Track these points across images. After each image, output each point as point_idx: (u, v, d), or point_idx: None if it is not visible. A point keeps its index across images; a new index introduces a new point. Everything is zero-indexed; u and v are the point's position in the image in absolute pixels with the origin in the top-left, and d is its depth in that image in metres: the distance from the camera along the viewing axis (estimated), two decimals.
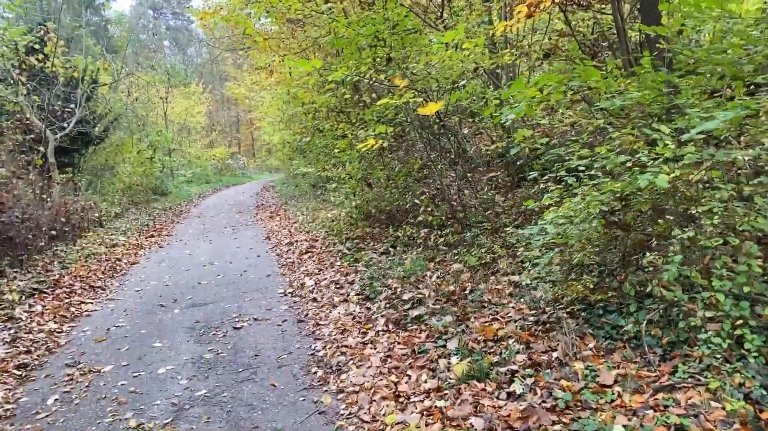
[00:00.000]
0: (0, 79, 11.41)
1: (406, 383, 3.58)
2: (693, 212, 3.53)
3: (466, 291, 4.93)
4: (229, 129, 46.02)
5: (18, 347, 5.26)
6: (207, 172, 31.94)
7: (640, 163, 3.52)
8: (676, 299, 3.42)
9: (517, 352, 3.62)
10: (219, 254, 9.60)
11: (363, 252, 7.60)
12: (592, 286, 4.20)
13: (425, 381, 3.53)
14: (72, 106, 14.27)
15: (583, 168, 3.94)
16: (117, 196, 17.60)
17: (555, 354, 3.50)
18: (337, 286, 6.34)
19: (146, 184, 21.00)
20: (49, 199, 11.74)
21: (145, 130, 24.01)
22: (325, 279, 6.83)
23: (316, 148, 10.85)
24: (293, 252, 8.93)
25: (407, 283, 5.53)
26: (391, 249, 7.52)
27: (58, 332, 5.77)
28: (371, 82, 8.44)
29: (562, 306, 4.28)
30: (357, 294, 5.78)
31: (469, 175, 7.27)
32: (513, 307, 4.42)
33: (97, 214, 13.83)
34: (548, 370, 3.35)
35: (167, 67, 27.36)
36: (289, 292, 6.54)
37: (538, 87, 5.03)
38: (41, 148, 12.83)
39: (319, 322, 5.21)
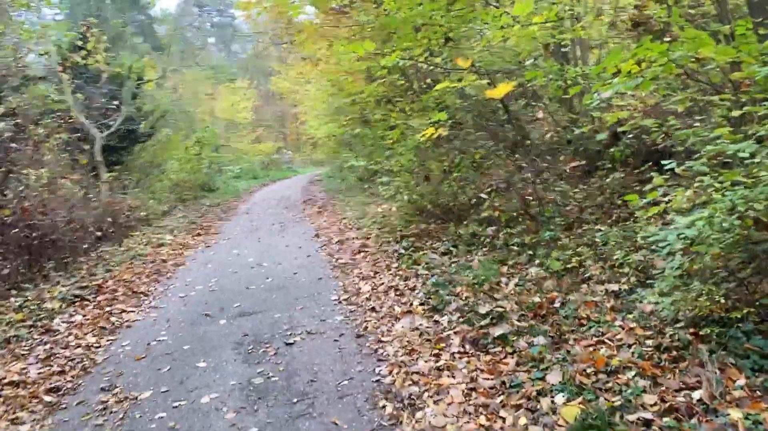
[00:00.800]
0: (42, 76, 11.16)
1: (500, 429, 2.86)
2: None
3: (556, 304, 4.16)
4: (275, 124, 46.00)
5: (52, 365, 4.80)
6: (254, 167, 31.85)
7: None
8: None
9: (643, 391, 2.85)
10: (267, 254, 9.07)
11: (421, 253, 6.89)
12: (723, 300, 3.37)
13: (526, 428, 2.80)
14: (116, 103, 14.02)
15: (747, 156, 3.08)
16: (165, 194, 17.43)
17: (696, 395, 2.71)
18: (397, 293, 5.66)
19: (194, 180, 20.83)
20: (95, 199, 11.49)
21: (192, 126, 23.92)
22: (382, 283, 6.15)
23: (366, 139, 10.17)
24: (345, 252, 8.29)
25: (480, 292, 4.80)
26: (452, 248, 6.79)
27: (96, 347, 5.29)
28: (428, 66, 7.70)
29: (682, 324, 3.47)
30: (421, 304, 5.07)
31: (544, 164, 6.45)
32: (620, 326, 3.63)
33: (144, 213, 13.58)
34: (693, 420, 2.57)
35: (211, 60, 27.24)
36: (344, 299, 5.89)
37: (635, 59, 4.23)
38: (86, 147, 12.63)
39: (382, 338, 4.53)
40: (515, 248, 5.84)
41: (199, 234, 12.27)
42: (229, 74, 32.28)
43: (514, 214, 6.03)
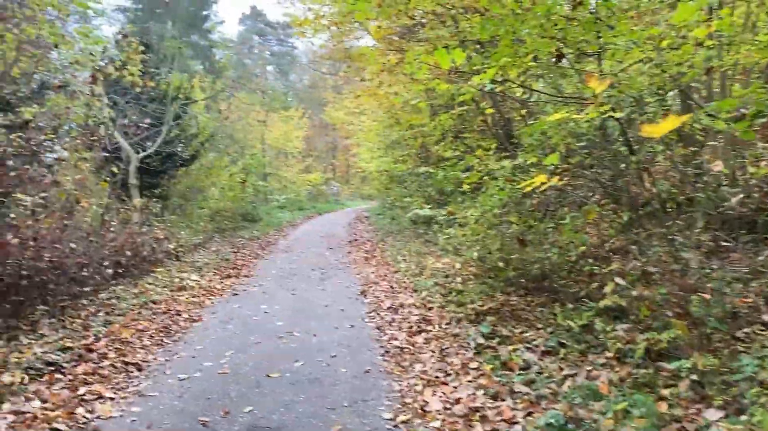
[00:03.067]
0: (61, 85, 9.83)
1: None
2: None
3: None
4: (326, 155, 45.18)
5: None
6: (301, 197, 30.70)
7: None
8: None
9: None
10: (301, 316, 7.28)
11: (511, 348, 4.94)
12: None
13: None
14: (148, 121, 12.78)
15: None
16: (202, 222, 16.06)
17: None
18: (487, 427, 3.70)
19: (236, 209, 19.51)
20: (113, 228, 10.02)
21: (241, 152, 22.83)
22: (459, 398, 4.21)
23: (437, 180, 8.35)
24: (399, 327, 6.40)
25: None
26: (558, 347, 4.81)
27: None
28: (526, 90, 5.89)
29: None
30: None
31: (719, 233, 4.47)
32: None
33: (172, 245, 12.08)
34: None
35: (266, 87, 26.34)
36: (402, 422, 3.96)
37: None
38: (115, 169, 11.28)
39: None
40: (668, 368, 3.82)
41: (229, 276, 10.65)
42: (284, 102, 31.39)
43: (668, 312, 4.02)
